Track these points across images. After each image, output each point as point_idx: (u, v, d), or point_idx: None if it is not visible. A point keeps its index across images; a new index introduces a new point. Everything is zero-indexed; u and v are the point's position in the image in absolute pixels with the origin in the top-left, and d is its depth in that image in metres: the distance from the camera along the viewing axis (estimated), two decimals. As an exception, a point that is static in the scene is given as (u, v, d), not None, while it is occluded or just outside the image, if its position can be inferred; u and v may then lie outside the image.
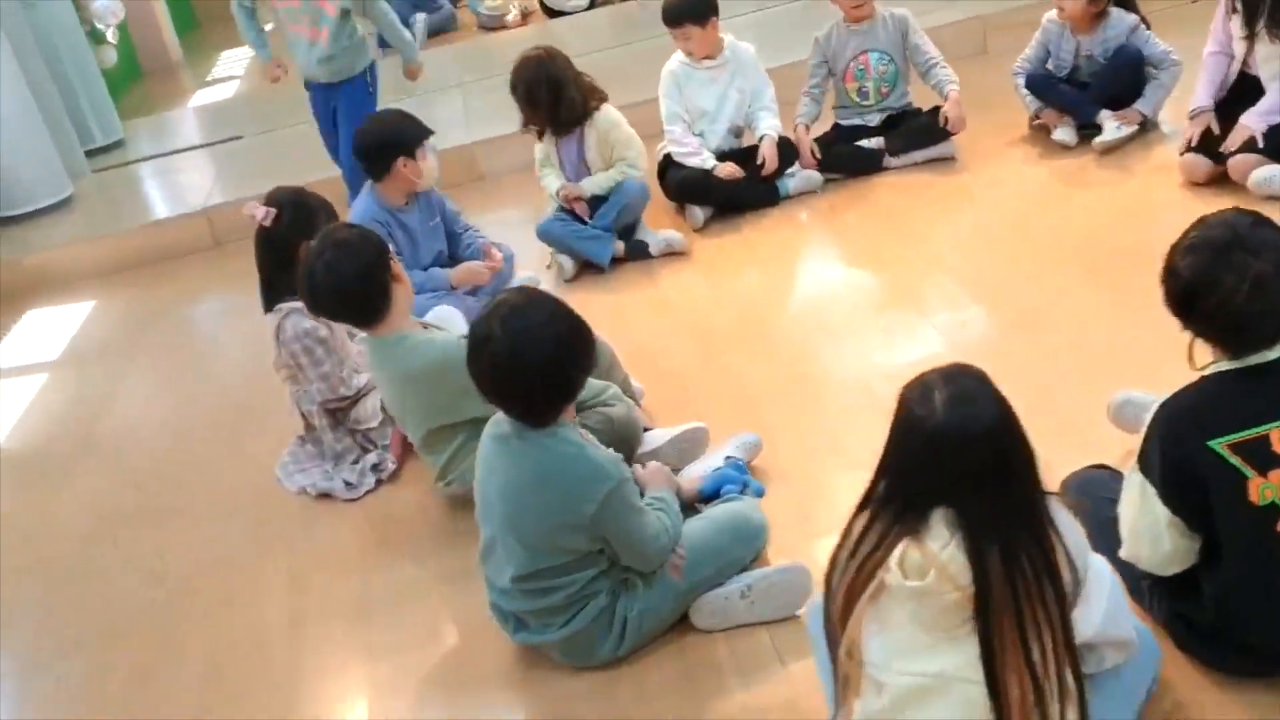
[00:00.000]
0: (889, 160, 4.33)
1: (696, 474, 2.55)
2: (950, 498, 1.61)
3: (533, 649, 2.29)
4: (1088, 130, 4.11)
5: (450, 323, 3.35)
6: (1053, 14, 4.16)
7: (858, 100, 4.39)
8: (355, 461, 3.08)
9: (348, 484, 3.03)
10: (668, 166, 4.32)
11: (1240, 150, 3.52)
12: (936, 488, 1.62)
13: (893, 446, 1.67)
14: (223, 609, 2.72)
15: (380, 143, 3.56)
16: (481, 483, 2.23)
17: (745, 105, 4.29)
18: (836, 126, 4.46)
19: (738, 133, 4.36)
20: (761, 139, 4.21)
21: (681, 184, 4.25)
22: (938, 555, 1.60)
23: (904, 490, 1.65)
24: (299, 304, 2.93)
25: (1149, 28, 4.09)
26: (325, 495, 3.04)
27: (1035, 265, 3.48)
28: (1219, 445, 1.76)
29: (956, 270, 3.55)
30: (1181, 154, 3.72)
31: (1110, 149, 4.02)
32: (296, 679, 2.45)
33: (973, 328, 3.23)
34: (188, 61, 10.15)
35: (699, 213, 4.24)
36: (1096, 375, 2.79)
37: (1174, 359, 1.87)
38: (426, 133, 3.61)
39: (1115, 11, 4.05)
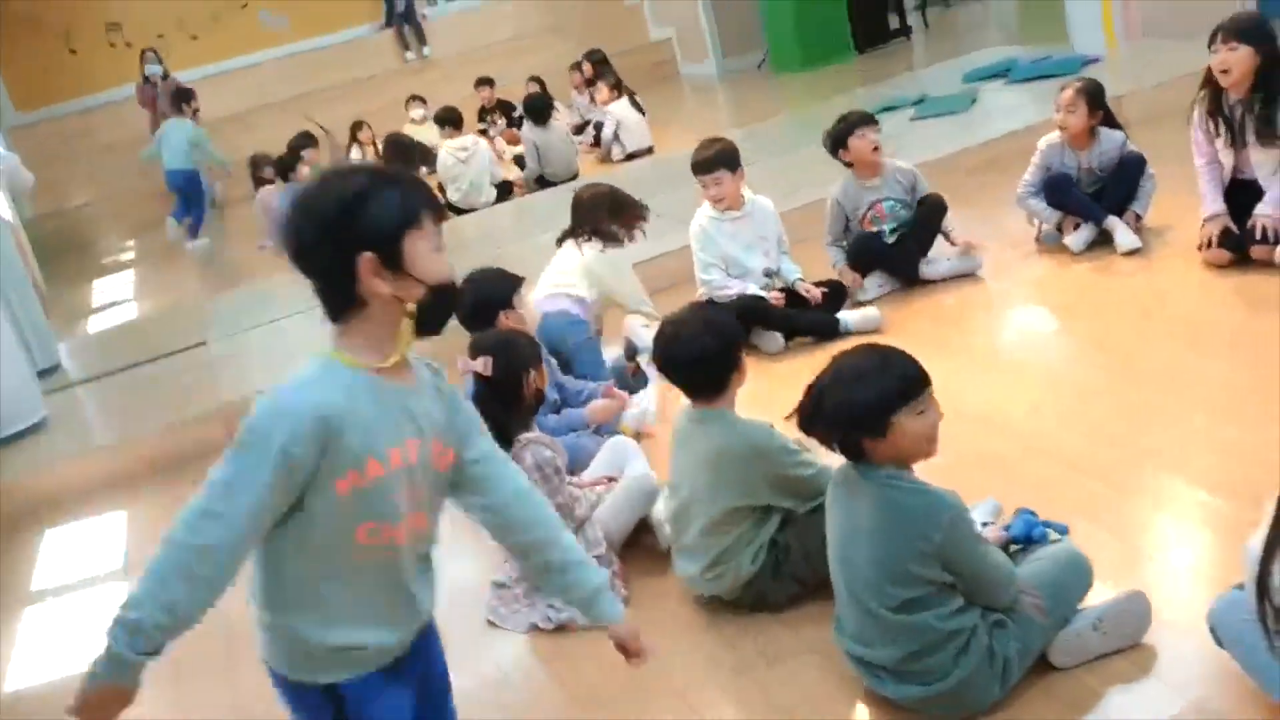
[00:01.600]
0: (924, 272, 4.73)
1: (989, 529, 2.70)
2: None
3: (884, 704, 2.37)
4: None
5: (624, 453, 3.48)
6: (1050, 137, 4.73)
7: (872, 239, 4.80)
8: (580, 592, 3.07)
9: (582, 612, 3.02)
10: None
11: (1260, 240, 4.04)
12: None
13: None
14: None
15: (486, 298, 3.71)
16: (835, 529, 2.38)
17: (770, 252, 4.63)
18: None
19: (770, 274, 4.66)
20: (796, 283, 4.57)
21: (742, 313, 4.37)
22: None
23: None
24: (537, 436, 3.00)
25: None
26: (562, 627, 3.01)
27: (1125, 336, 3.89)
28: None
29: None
30: (1200, 248, 4.24)
31: (1131, 251, 4.52)
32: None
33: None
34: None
35: (778, 337, 4.46)
36: None
37: None
38: (520, 280, 3.80)
39: (1103, 129, 4.65)
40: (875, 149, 4.66)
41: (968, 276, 4.73)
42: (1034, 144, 4.84)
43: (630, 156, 9.15)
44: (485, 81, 11.23)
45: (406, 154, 8.28)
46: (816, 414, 2.35)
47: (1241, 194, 4.16)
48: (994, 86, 7.55)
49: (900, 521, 2.28)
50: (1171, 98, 5.79)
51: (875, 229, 4.76)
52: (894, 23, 12.14)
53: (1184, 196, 4.51)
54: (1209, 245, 4.17)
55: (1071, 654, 2.39)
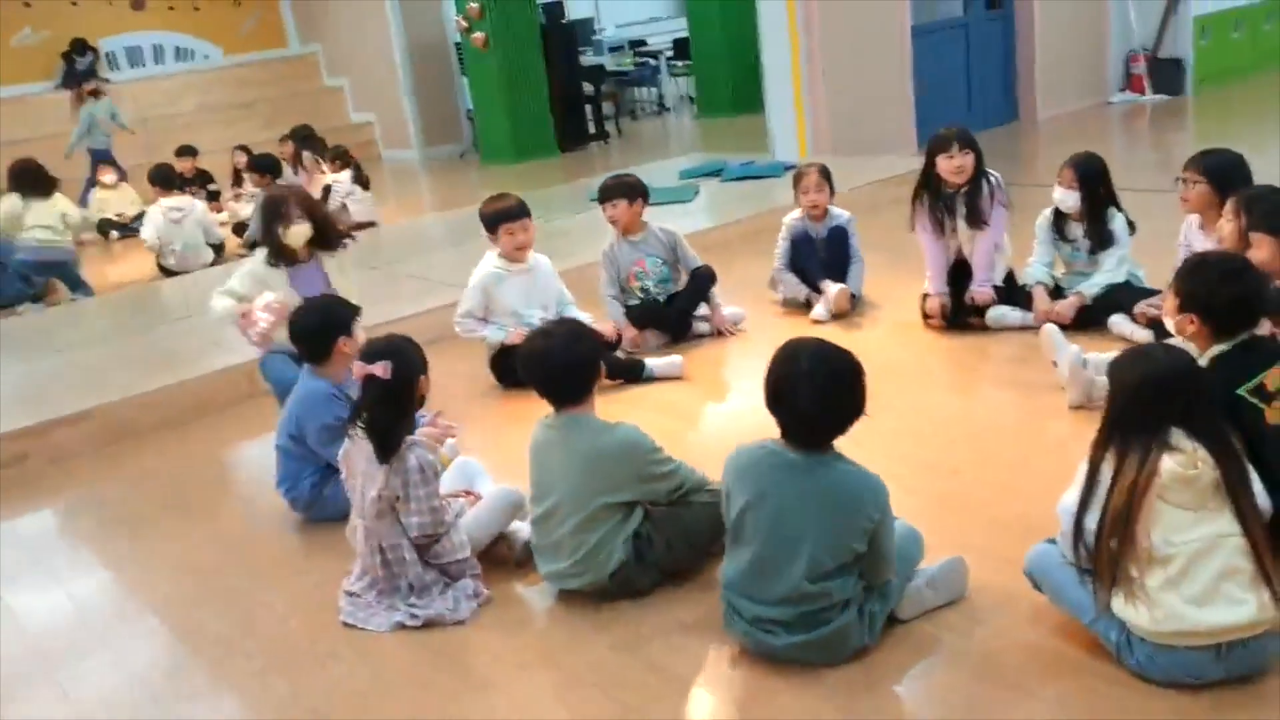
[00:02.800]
0: (696, 325, 5.25)
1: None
2: (1183, 419, 2.46)
3: (760, 661, 2.70)
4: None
5: (472, 472, 3.65)
6: (793, 214, 5.47)
7: (641, 297, 5.28)
8: (444, 590, 3.19)
9: (449, 610, 3.14)
10: (501, 355, 4.85)
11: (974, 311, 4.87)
12: (1173, 413, 2.46)
13: (1127, 400, 2.50)
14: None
15: (322, 326, 3.82)
16: (769, 504, 2.67)
17: (550, 306, 4.97)
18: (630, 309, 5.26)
19: None
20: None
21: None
22: (1195, 453, 2.43)
23: (1146, 424, 2.47)
24: (420, 439, 3.14)
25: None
26: (429, 624, 3.11)
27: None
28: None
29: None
30: (926, 320, 5.00)
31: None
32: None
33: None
34: None
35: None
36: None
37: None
38: (357, 310, 3.93)
39: (832, 208, 5.45)
40: (631, 212, 5.22)
41: (731, 332, 5.30)
42: (748, 230, 5.57)
43: (357, 227, 9.19)
44: (188, 151, 10.93)
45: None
46: (798, 409, 2.64)
47: (963, 273, 4.99)
48: (710, 185, 8.39)
49: (854, 501, 2.64)
50: (859, 198, 6.77)
51: (639, 284, 5.24)
52: (592, 128, 13.06)
53: (895, 278, 5.38)
54: (936, 315, 4.94)
55: (912, 608, 2.84)
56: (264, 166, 9.34)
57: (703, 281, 5.25)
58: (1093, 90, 10.55)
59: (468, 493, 3.48)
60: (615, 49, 16.30)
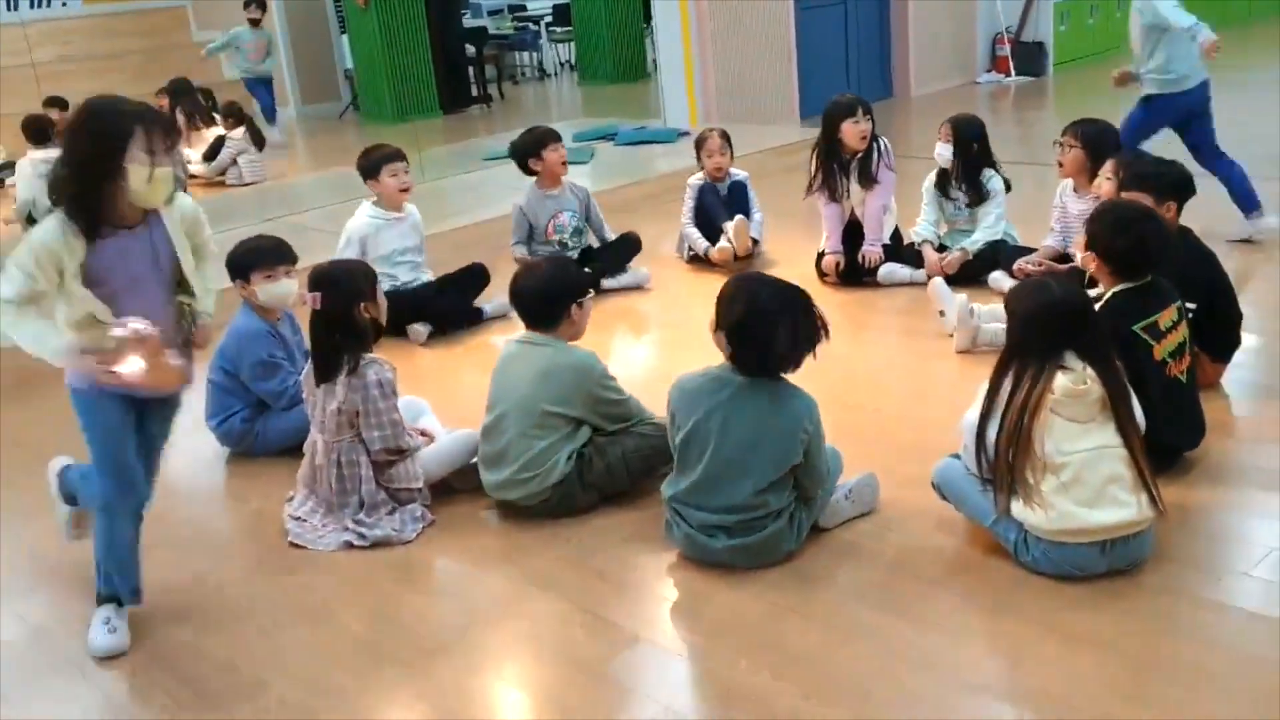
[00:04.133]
0: (604, 282, 5.45)
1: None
2: (1074, 342, 2.79)
3: (699, 565, 2.96)
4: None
5: (416, 408, 3.80)
6: (696, 176, 5.73)
7: (557, 250, 5.46)
8: (391, 512, 3.35)
9: (395, 530, 3.30)
10: None
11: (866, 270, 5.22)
12: (1065, 339, 2.78)
13: (1024, 326, 2.81)
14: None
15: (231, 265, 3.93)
16: (713, 426, 2.91)
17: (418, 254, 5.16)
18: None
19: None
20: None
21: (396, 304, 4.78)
22: (1083, 372, 2.76)
23: (1043, 346, 2.78)
24: (377, 357, 3.29)
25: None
26: (379, 544, 3.27)
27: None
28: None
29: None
30: (821, 278, 5.33)
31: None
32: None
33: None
34: None
35: (421, 329, 4.97)
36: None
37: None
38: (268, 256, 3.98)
39: (731, 168, 5.75)
40: (563, 162, 5.41)
41: (640, 289, 5.54)
42: (650, 191, 5.87)
43: (244, 185, 9.12)
44: (57, 102, 10.53)
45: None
46: (769, 346, 2.87)
47: (855, 234, 5.32)
48: (606, 146, 8.60)
49: (793, 416, 2.90)
50: (749, 165, 7.06)
51: (557, 236, 5.43)
52: (475, 90, 13.07)
53: (791, 239, 5.73)
54: (832, 273, 5.26)
55: (833, 518, 3.14)
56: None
57: (629, 247, 5.57)
58: (962, 70, 11.11)
59: (422, 433, 3.62)
60: (495, 12, 16.28)
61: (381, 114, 12.03)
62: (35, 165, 8.29)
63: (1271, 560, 2.79)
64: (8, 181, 8.88)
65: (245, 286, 3.92)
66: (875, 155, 5.19)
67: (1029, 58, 11.06)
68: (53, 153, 8.33)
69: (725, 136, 5.70)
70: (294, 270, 3.99)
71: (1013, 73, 11.07)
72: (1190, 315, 3.52)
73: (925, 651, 2.59)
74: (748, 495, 2.89)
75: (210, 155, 9.37)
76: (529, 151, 5.39)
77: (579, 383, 3.28)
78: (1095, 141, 4.45)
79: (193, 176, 9.30)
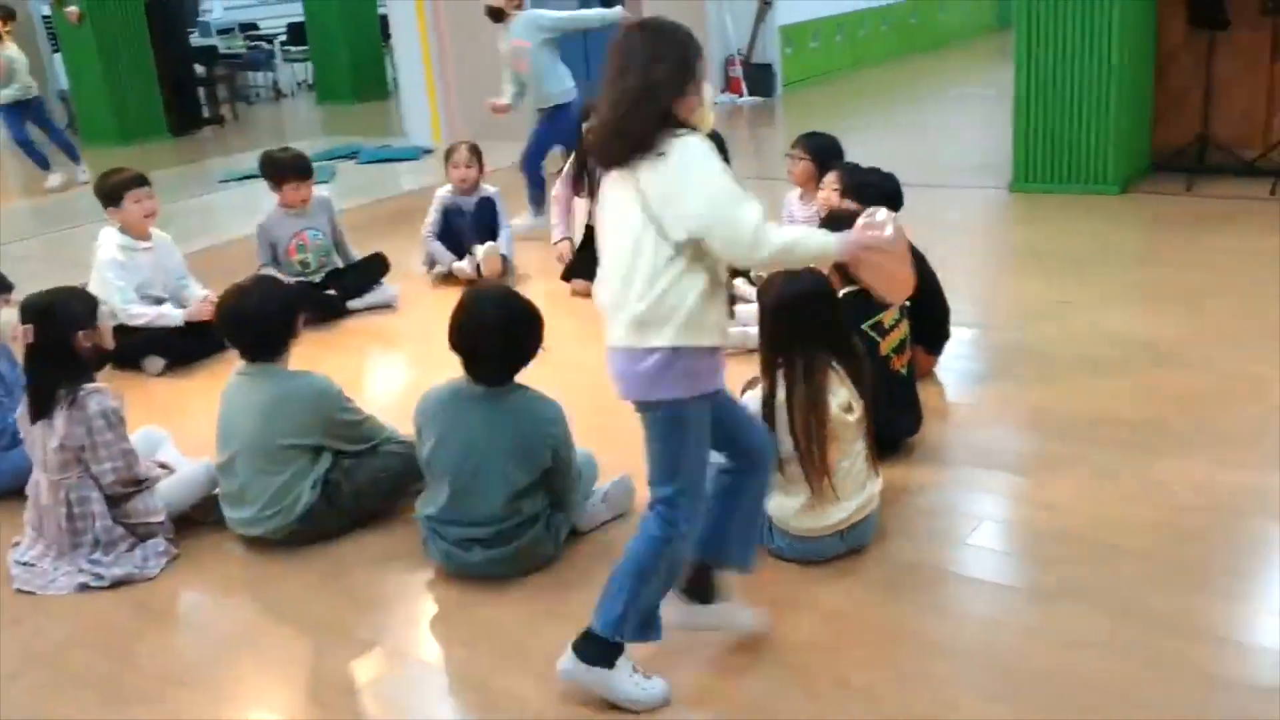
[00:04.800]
0: (350, 304, 5.35)
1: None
2: (827, 333, 2.92)
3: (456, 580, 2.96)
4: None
5: (155, 440, 3.62)
6: (445, 189, 5.74)
7: (300, 270, 5.33)
8: (131, 548, 3.17)
9: (137, 568, 3.13)
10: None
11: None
12: (817, 328, 2.90)
13: (776, 315, 2.92)
14: None
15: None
16: (457, 438, 2.91)
17: (170, 284, 4.95)
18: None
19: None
20: (207, 296, 4.91)
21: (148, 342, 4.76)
22: (849, 396, 2.88)
23: (798, 334, 2.89)
24: (100, 386, 3.10)
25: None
26: (120, 583, 3.09)
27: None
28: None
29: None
30: (564, 278, 5.43)
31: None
32: (278, 675, 2.70)
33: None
34: None
35: (157, 361, 4.77)
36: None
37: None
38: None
39: (482, 183, 5.77)
40: (304, 200, 5.31)
41: (388, 307, 5.46)
42: (394, 209, 5.92)
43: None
44: None
45: None
46: (483, 349, 2.92)
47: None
48: (347, 166, 8.42)
49: (535, 421, 2.93)
50: (498, 180, 7.11)
51: (299, 257, 5.30)
52: (206, 112, 12.53)
53: (538, 251, 5.85)
54: (562, 259, 5.46)
55: (589, 521, 3.20)
56: None
57: (378, 269, 5.50)
58: (696, 89, 11.53)
59: (161, 465, 3.44)
60: (225, 31, 15.67)
61: (104, 136, 11.36)
62: None
63: (984, 530, 3.06)
64: None
65: None
66: None
67: (759, 79, 11.60)
68: None
69: (475, 150, 5.71)
70: (10, 300, 3.73)
71: (745, 93, 11.59)
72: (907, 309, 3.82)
73: (677, 640, 2.66)
74: (500, 504, 2.91)
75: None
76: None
77: (314, 410, 3.21)
78: (821, 152, 4.73)
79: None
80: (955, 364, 4.20)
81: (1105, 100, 6.28)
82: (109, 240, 4.78)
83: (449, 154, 5.74)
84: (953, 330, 4.16)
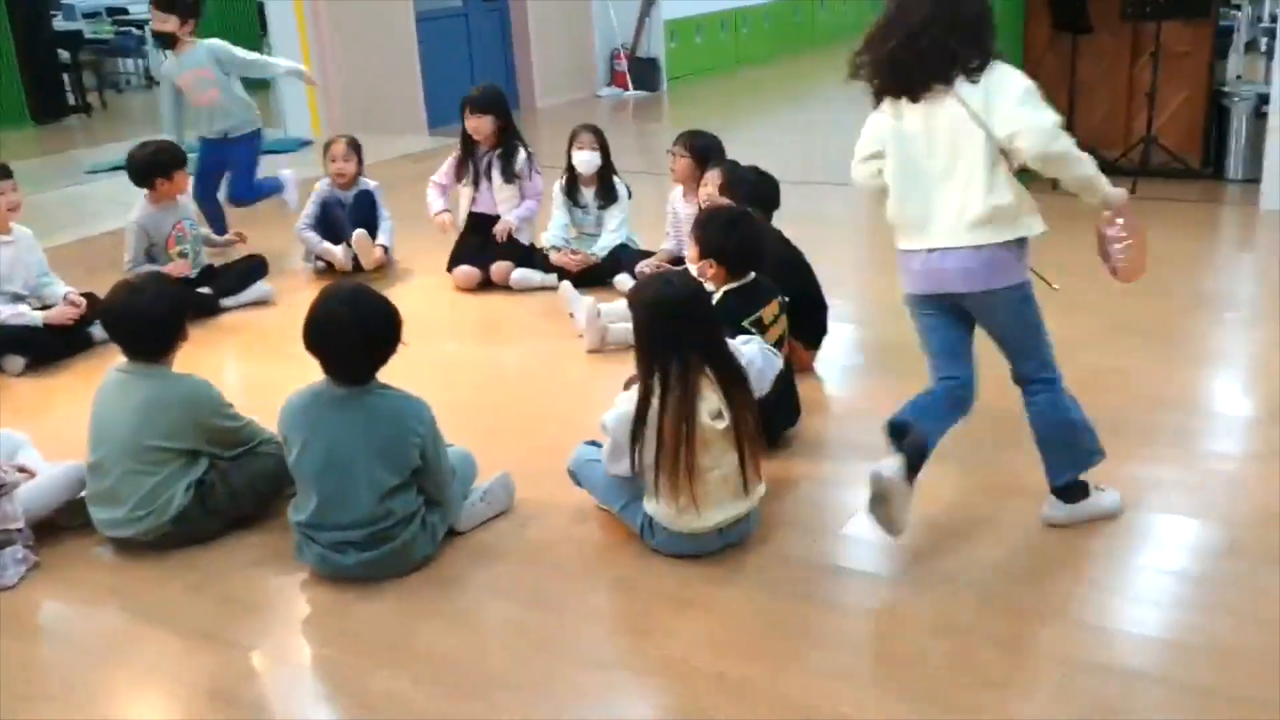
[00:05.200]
0: (224, 302, 5.22)
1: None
2: (696, 334, 2.93)
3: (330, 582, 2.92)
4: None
5: (13, 442, 3.49)
6: (323, 181, 5.66)
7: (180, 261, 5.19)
8: (-12, 556, 3.05)
9: (-9, 576, 3.01)
10: None
11: (499, 259, 5.34)
12: (690, 331, 2.89)
13: (649, 320, 2.92)
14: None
15: None
16: (321, 442, 2.87)
17: (30, 280, 4.80)
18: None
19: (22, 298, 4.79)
20: (68, 294, 4.78)
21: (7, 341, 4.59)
22: (719, 402, 2.88)
23: (668, 337, 2.88)
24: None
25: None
26: (-9, 589, 2.96)
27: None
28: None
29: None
30: (450, 268, 5.40)
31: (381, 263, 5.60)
32: (147, 684, 2.62)
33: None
34: None
35: (17, 360, 4.59)
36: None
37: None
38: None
39: (361, 177, 5.68)
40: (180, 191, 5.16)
41: (265, 304, 5.37)
42: (274, 202, 5.96)
43: None
44: None
45: None
46: (338, 348, 2.89)
47: (481, 227, 5.44)
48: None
49: (398, 419, 2.89)
50: (379, 173, 7.03)
51: (179, 248, 5.17)
52: (72, 99, 12.05)
53: (421, 241, 5.76)
54: (445, 231, 5.47)
55: (469, 521, 3.17)
56: None
57: (254, 270, 5.41)
58: (583, 84, 11.54)
59: (20, 469, 3.30)
60: (91, 15, 15.06)
61: (-41, 122, 10.84)
62: None
63: (856, 520, 3.13)
64: None
65: None
66: (519, 155, 5.41)
67: (644, 73, 11.67)
68: None
69: (353, 144, 5.63)
70: None
71: (630, 87, 11.63)
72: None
73: (559, 636, 2.69)
74: (371, 506, 2.87)
75: None
76: (158, 170, 5.06)
77: (191, 414, 3.12)
78: (701, 150, 4.78)
79: None
80: (832, 358, 4.29)
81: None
82: None
83: (327, 147, 5.65)
84: (830, 326, 4.25)
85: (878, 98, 2.85)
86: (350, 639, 2.74)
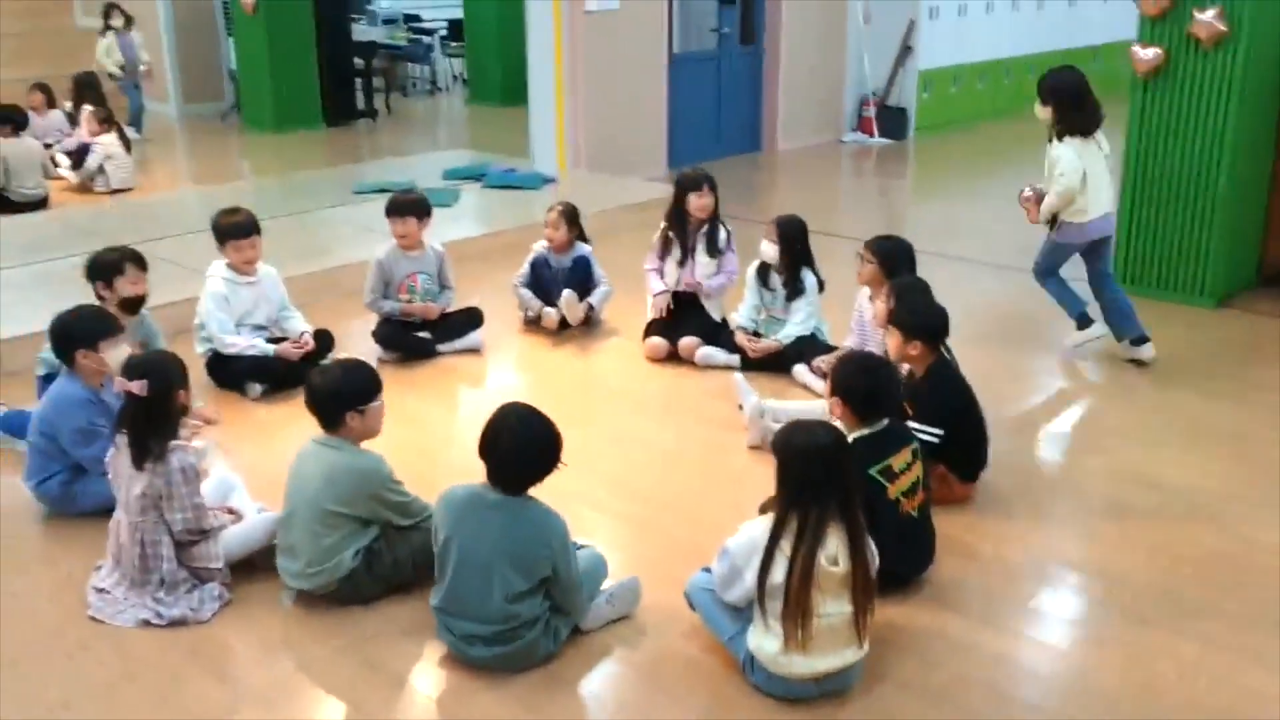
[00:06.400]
0: (440, 346, 5.74)
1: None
2: (835, 488, 3.07)
3: (464, 665, 3.26)
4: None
5: (227, 486, 4.04)
6: (540, 244, 6.03)
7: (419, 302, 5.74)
8: (190, 590, 3.58)
9: (192, 610, 3.53)
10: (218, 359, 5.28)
11: (690, 334, 5.60)
12: (828, 479, 3.03)
13: (790, 465, 3.07)
14: None
15: (62, 335, 4.15)
16: (465, 537, 3.22)
17: (272, 314, 5.41)
18: (389, 320, 5.73)
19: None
20: (303, 334, 5.38)
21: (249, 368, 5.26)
22: (836, 552, 3.03)
23: (807, 488, 3.02)
24: (184, 444, 3.53)
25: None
26: (176, 623, 3.49)
27: (585, 401, 5.15)
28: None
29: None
30: (645, 338, 5.71)
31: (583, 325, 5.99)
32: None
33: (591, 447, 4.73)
34: None
35: (257, 386, 5.24)
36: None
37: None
38: (109, 328, 4.20)
39: (578, 242, 6.05)
40: (409, 234, 5.68)
41: (474, 351, 5.84)
42: (509, 243, 6.35)
43: (112, 192, 9.12)
44: (-75, 85, 10.37)
45: None
46: (503, 463, 3.22)
47: (680, 303, 5.75)
48: (473, 188, 8.84)
49: (535, 535, 3.21)
50: (606, 221, 7.41)
51: (408, 297, 5.71)
52: (361, 103, 13.16)
53: (628, 305, 6.10)
54: (662, 313, 5.71)
55: (594, 621, 3.45)
56: (5, 119, 8.99)
57: (472, 319, 5.87)
58: (828, 128, 11.62)
59: (230, 511, 3.85)
60: (389, 21, 16.34)
61: (263, 121, 12.08)
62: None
63: (954, 681, 3.19)
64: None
65: (88, 355, 4.08)
66: (722, 231, 5.72)
67: (892, 121, 11.62)
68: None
69: (566, 213, 5.98)
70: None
71: (876, 134, 11.61)
72: (939, 441, 3.96)
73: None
74: (499, 605, 3.19)
75: (77, 162, 9.33)
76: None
77: (362, 486, 3.53)
78: (888, 258, 4.84)
79: (58, 178, 9.28)
80: (988, 493, 4.28)
81: (1211, 209, 6.19)
82: (217, 272, 5.26)
83: (549, 210, 6.05)
84: (998, 452, 4.25)
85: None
86: (464, 727, 3.08)
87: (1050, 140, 5.50)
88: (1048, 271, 5.71)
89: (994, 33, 12.50)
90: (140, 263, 4.81)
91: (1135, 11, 6.38)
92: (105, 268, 4.72)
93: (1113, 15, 13.53)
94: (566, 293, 5.87)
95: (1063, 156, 5.38)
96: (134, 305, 4.80)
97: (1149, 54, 6.28)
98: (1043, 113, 5.48)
